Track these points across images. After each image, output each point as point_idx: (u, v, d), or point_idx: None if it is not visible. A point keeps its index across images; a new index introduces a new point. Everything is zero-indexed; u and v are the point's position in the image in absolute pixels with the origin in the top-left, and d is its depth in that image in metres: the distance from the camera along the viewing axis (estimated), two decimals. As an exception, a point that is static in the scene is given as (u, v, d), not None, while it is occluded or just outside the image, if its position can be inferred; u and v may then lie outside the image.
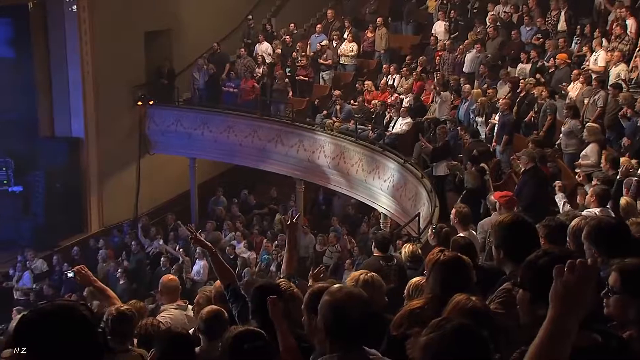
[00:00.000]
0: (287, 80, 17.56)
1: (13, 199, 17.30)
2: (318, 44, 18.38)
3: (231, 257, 15.53)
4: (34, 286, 15.05)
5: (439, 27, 17.72)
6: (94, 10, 16.99)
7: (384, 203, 15.12)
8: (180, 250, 15.89)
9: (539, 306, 2.75)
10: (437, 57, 16.66)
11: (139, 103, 18.29)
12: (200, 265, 15.05)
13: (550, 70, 14.27)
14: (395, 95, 15.97)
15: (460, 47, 16.30)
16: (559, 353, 2.03)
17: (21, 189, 17.41)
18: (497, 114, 13.11)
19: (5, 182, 17.59)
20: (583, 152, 10.65)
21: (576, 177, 9.78)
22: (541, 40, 15.49)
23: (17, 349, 2.05)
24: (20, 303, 14.18)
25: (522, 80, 13.90)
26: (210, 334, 4.76)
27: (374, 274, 4.63)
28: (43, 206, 16.85)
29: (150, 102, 18.35)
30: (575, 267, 2.03)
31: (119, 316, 4.86)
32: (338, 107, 16.39)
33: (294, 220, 5.81)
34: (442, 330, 2.34)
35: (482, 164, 11.21)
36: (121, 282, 14.62)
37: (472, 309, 3.30)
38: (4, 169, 17.61)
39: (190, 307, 6.22)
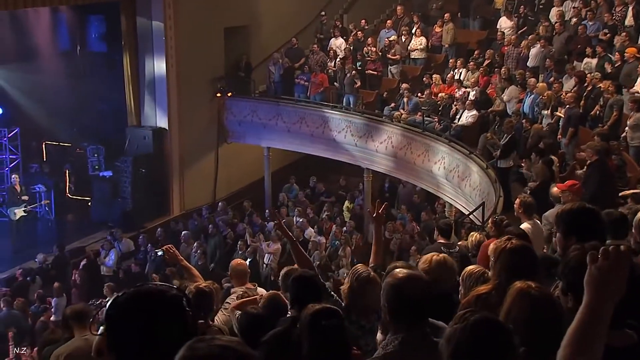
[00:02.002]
0: (357, 73, 17.52)
1: (103, 184, 17.84)
2: (386, 39, 18.28)
3: (299, 240, 15.66)
4: (121, 264, 15.47)
5: (504, 23, 17.35)
6: (178, 8, 17.29)
7: (448, 192, 14.95)
8: (259, 234, 16.08)
9: (569, 297, 2.68)
10: (502, 52, 16.34)
11: (218, 95, 18.55)
12: (272, 249, 15.20)
13: (616, 65, 13.79)
14: (463, 89, 15.74)
15: (524, 42, 15.93)
16: (594, 338, 1.99)
17: (111, 174, 17.92)
18: (564, 107, 12.76)
19: (96, 167, 18.17)
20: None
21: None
22: (608, 35, 14.97)
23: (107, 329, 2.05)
24: (108, 279, 14.57)
25: (588, 75, 13.49)
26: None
27: (446, 255, 4.58)
28: (130, 190, 17.29)
29: (229, 94, 18.59)
30: (608, 253, 1.98)
31: (198, 293, 4.93)
32: (406, 99, 16.27)
33: (379, 212, 5.55)
34: (464, 322, 2.29)
35: (551, 156, 10.94)
36: (199, 262, 14.88)
37: (534, 295, 3.21)
38: (96, 155, 18.20)
39: (260, 289, 6.29)
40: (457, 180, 14.38)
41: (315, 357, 3.46)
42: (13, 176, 16.95)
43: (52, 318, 12.46)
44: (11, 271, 14.96)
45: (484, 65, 16.25)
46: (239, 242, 15.50)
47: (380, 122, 16.56)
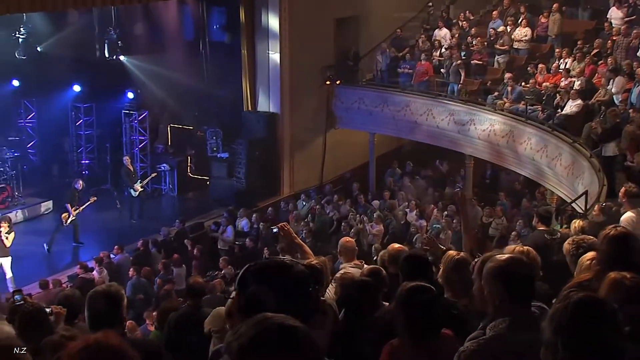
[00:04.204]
0: (462, 63, 17.20)
1: (221, 164, 18.44)
2: (492, 29, 17.83)
3: (402, 222, 15.65)
4: (236, 240, 15.93)
5: (614, 13, 16.52)
6: (293, 0, 17.53)
7: (550, 179, 14.51)
8: (363, 216, 16.16)
9: None
10: (610, 42, 15.57)
11: (327, 82, 18.70)
12: (375, 230, 15.26)
13: None
14: (569, 78, 15.15)
15: (635, 31, 15.11)
16: None
17: (227, 155, 18.50)
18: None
19: (215, 149, 18.79)
20: None
21: None
22: None
23: (237, 294, 2.17)
24: (224, 253, 15.02)
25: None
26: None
27: (530, 247, 4.51)
28: (244, 171, 17.78)
29: (337, 82, 18.72)
30: None
31: (310, 269, 5.04)
32: (509, 88, 15.86)
33: (458, 196, 5.62)
34: (566, 301, 2.25)
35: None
36: (306, 241, 15.07)
37: (628, 286, 3.12)
38: (214, 138, 18.82)
39: (366, 266, 6.36)
40: (559, 168, 13.94)
41: (409, 331, 3.51)
42: (125, 157, 17.77)
43: (174, 287, 13.00)
44: (135, 243, 15.69)
45: (591, 54, 15.57)
46: (343, 223, 15.65)
47: (483, 111, 16.23)
